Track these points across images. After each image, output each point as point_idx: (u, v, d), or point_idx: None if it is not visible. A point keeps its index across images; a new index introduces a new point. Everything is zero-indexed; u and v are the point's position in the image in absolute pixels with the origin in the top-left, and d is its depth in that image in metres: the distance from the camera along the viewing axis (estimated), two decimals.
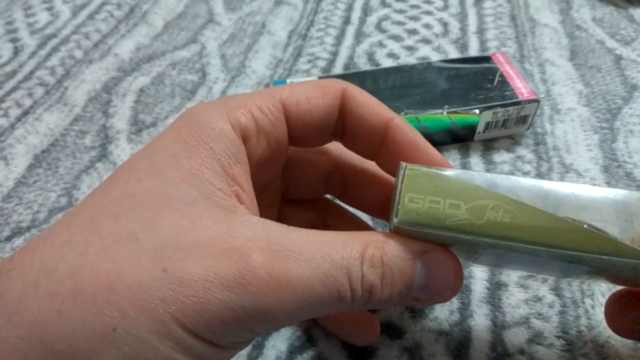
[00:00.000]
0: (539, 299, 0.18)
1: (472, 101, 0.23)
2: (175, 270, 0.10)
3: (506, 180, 0.11)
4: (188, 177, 0.11)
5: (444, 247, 0.12)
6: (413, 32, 0.31)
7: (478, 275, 0.18)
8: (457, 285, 0.12)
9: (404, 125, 0.13)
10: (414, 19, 0.32)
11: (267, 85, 0.28)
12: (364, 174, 0.16)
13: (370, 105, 0.13)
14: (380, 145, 0.14)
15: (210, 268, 0.10)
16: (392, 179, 0.15)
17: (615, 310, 0.13)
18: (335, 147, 0.16)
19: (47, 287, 0.09)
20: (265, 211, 0.14)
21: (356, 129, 0.14)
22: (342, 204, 0.17)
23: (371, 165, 0.16)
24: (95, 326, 0.09)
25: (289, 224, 0.12)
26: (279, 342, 0.17)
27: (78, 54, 0.31)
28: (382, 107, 0.13)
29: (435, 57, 0.29)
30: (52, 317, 0.09)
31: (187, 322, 0.10)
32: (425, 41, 0.30)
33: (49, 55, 0.30)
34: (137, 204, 0.10)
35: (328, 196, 0.17)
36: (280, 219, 0.16)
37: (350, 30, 0.32)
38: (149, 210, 0.10)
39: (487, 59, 0.25)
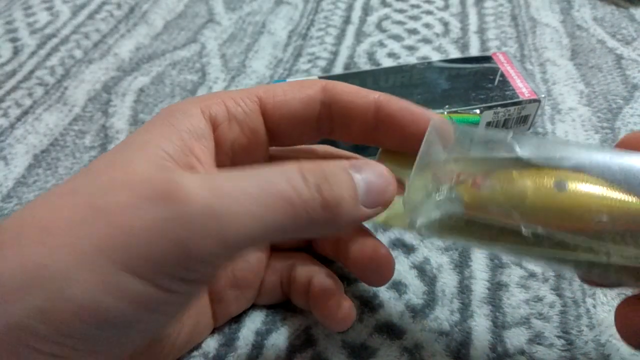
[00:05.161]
0: (539, 299, 0.18)
1: (473, 101, 0.23)
2: (101, 204, 0.10)
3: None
4: (140, 146, 0.11)
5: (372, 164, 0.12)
6: (413, 31, 0.31)
7: (479, 276, 0.18)
8: (393, 182, 0.12)
9: (392, 98, 0.14)
10: (415, 18, 0.32)
11: None
12: None
13: (353, 91, 0.14)
14: (376, 124, 0.14)
15: (133, 194, 0.10)
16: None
17: (626, 315, 0.12)
18: (322, 147, 0.16)
19: None
20: None
21: (346, 117, 0.14)
22: None
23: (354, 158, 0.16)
24: (28, 265, 0.09)
25: None
26: (278, 341, 0.17)
27: (78, 53, 0.31)
28: (365, 90, 0.14)
29: (435, 57, 0.29)
30: None
31: (114, 254, 0.09)
32: (426, 41, 0.30)
33: (48, 55, 0.30)
34: (87, 170, 0.11)
35: None
36: None
37: (351, 30, 0.32)
38: (93, 172, 0.11)
39: (487, 59, 0.25)
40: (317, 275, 0.16)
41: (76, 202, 0.10)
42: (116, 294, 0.09)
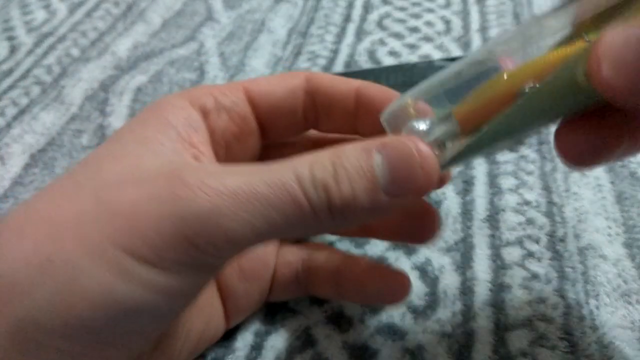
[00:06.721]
0: (542, 301, 0.17)
1: None
2: (108, 197, 0.10)
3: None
4: (139, 139, 0.11)
5: (404, 136, 0.11)
6: (415, 29, 0.31)
7: (481, 277, 0.18)
8: (429, 169, 0.11)
9: (371, 84, 0.14)
10: (416, 16, 0.32)
11: None
12: None
13: (335, 79, 0.14)
14: (356, 111, 0.14)
15: (142, 190, 0.10)
16: None
17: (564, 132, 0.12)
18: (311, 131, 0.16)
19: None
20: None
21: (328, 104, 0.14)
22: None
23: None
24: (32, 258, 0.09)
25: None
26: (278, 342, 0.16)
27: (75, 52, 0.30)
28: (346, 79, 0.14)
29: (437, 55, 0.29)
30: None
31: (120, 240, 0.09)
32: (427, 39, 0.30)
33: (45, 54, 0.30)
34: (87, 163, 0.11)
35: None
36: None
37: (351, 28, 0.31)
38: (95, 165, 0.11)
39: None
40: (345, 260, 0.15)
41: (81, 196, 0.10)
42: (126, 279, 0.09)
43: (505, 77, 0.11)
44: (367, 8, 0.33)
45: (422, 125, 0.12)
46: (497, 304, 0.17)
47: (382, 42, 0.30)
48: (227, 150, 0.14)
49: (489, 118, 0.11)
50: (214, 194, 0.10)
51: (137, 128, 0.12)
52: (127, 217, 0.09)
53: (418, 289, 0.18)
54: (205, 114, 0.13)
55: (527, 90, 0.10)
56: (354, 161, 0.11)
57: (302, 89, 0.14)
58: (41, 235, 0.09)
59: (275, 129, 0.14)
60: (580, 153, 0.11)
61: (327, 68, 0.28)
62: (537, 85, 0.10)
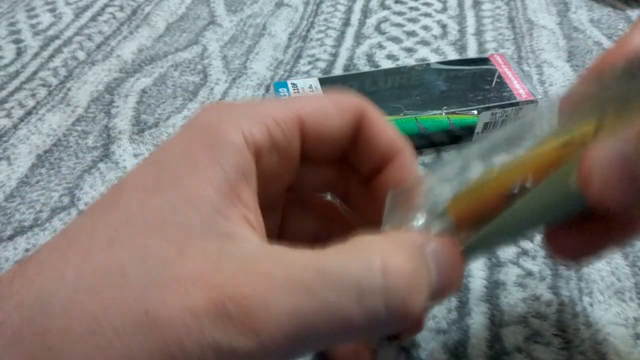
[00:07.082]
0: (536, 298, 0.18)
1: (471, 102, 0.23)
2: (156, 311, 0.09)
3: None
4: (189, 198, 0.10)
5: (441, 238, 0.12)
6: (412, 33, 0.31)
7: (476, 274, 0.19)
8: (461, 273, 0.12)
9: (409, 157, 0.13)
10: (413, 20, 0.33)
11: (267, 87, 0.28)
12: (370, 191, 0.15)
13: (387, 132, 0.13)
14: (381, 171, 0.13)
15: (188, 308, 0.09)
16: None
17: (553, 234, 0.12)
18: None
19: (40, 325, 0.10)
20: (268, 214, 0.14)
21: (368, 152, 0.13)
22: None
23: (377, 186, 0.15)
24: None
25: (291, 234, 0.11)
26: None
27: (81, 55, 0.31)
28: (396, 134, 0.13)
29: (433, 59, 0.29)
30: (42, 356, 0.09)
31: None
32: (424, 43, 0.31)
33: (51, 57, 0.31)
34: (133, 231, 0.10)
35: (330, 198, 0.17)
36: (283, 226, 0.16)
37: (350, 32, 0.32)
38: (141, 238, 0.10)
39: (485, 61, 0.26)
40: None
41: (126, 297, 0.10)
42: None
43: (495, 174, 0.12)
44: (365, 12, 0.34)
45: (419, 220, 0.12)
46: (492, 301, 0.18)
47: (380, 46, 0.31)
48: (265, 186, 0.12)
49: (481, 216, 0.11)
50: (253, 329, 0.09)
51: (187, 174, 0.11)
52: (171, 342, 0.09)
53: None
54: (258, 156, 0.12)
55: (515, 192, 0.11)
56: (418, 262, 0.10)
57: (352, 125, 0.13)
58: (90, 345, 0.09)
59: (314, 158, 0.13)
60: (571, 252, 0.12)
61: (326, 71, 0.29)
62: (528, 187, 0.11)
